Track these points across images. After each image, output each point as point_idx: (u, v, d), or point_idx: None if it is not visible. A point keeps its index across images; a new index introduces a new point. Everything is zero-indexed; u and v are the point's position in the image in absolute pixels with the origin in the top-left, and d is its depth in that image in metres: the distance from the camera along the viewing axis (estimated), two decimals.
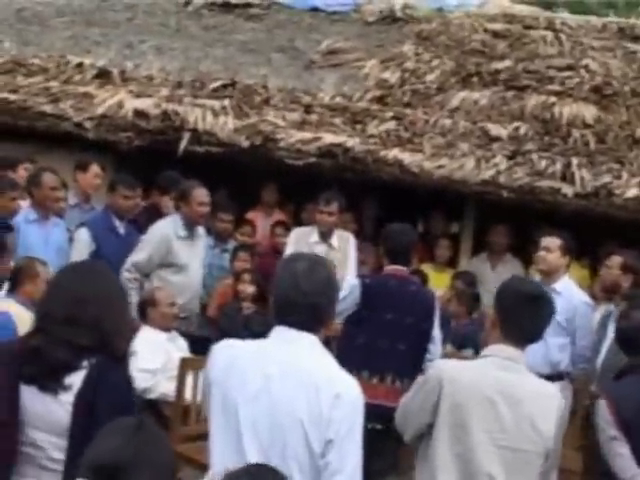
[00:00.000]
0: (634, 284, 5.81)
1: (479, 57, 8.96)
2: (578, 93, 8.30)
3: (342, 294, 4.92)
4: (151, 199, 7.44)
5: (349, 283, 5.65)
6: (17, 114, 8.14)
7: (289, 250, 7.11)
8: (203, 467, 3.50)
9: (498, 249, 8.00)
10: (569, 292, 5.88)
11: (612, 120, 7.99)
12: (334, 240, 7.13)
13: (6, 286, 5.05)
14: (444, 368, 3.45)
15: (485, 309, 7.01)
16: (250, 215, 8.17)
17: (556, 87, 8.42)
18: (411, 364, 5.37)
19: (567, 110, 8.05)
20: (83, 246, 6.46)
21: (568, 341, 5.87)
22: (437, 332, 5.59)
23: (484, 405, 3.29)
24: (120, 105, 8.01)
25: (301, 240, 7.12)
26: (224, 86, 8.42)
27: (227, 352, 2.96)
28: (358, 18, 9.95)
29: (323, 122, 7.95)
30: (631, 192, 7.14)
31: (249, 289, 6.87)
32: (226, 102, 8.06)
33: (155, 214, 7.02)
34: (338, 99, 8.33)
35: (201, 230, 6.83)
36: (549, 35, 9.31)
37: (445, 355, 5.91)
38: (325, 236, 7.10)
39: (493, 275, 7.72)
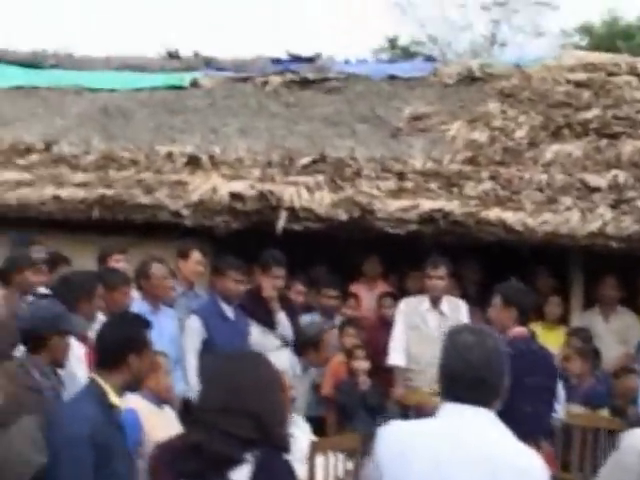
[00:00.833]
0: None
1: (566, 109, 8.85)
2: None
3: None
4: (253, 281, 7.37)
5: None
6: (114, 208, 8.22)
7: (400, 321, 7.04)
8: None
9: (609, 301, 7.77)
10: None
11: None
12: (444, 306, 7.03)
13: None
14: None
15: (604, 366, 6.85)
16: (353, 288, 8.10)
17: None
18: (538, 425, 5.24)
19: None
20: (195, 334, 6.48)
21: None
22: (561, 391, 5.70)
23: None
24: (214, 190, 8.04)
25: (412, 309, 7.05)
26: (314, 161, 8.42)
27: (397, 437, 2.87)
28: (436, 81, 9.90)
29: (419, 188, 7.88)
30: None
31: (364, 365, 6.83)
32: (320, 177, 8.04)
33: (258, 296, 6.90)
34: (429, 164, 8.26)
35: None
36: (633, 80, 9.19)
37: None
38: (436, 302, 6.99)
39: (607, 328, 7.54)
